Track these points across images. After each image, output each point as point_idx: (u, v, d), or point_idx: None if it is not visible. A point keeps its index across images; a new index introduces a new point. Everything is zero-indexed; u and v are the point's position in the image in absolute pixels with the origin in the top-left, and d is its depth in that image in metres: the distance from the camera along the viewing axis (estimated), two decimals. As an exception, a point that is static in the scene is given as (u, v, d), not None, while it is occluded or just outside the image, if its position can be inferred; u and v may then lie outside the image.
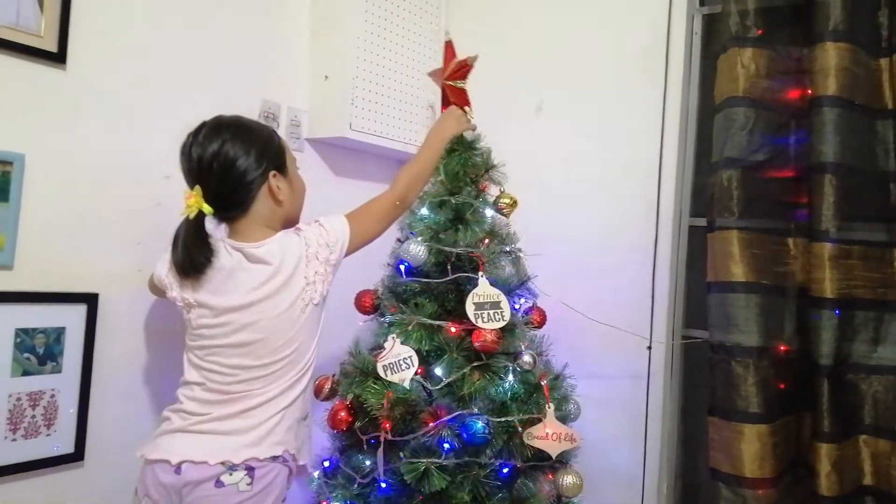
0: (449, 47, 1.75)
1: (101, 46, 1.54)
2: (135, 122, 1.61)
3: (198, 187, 1.29)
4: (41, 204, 1.45)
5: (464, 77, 1.73)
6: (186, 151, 1.31)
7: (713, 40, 1.87)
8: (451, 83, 1.72)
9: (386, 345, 1.63)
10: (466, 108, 1.72)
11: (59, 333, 1.48)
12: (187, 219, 1.30)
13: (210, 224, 1.32)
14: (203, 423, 1.27)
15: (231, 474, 1.23)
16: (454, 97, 1.72)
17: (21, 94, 1.42)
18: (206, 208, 1.29)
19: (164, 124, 1.67)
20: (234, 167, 1.29)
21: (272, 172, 1.33)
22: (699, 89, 1.93)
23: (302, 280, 1.33)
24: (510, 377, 1.63)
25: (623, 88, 1.99)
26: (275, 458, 1.28)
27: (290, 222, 1.42)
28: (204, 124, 1.32)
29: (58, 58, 1.46)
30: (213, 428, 1.27)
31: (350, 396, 1.64)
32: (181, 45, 1.71)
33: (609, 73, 2.02)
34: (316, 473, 1.77)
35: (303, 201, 1.46)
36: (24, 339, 1.43)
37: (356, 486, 1.63)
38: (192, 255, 1.29)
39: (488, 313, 1.62)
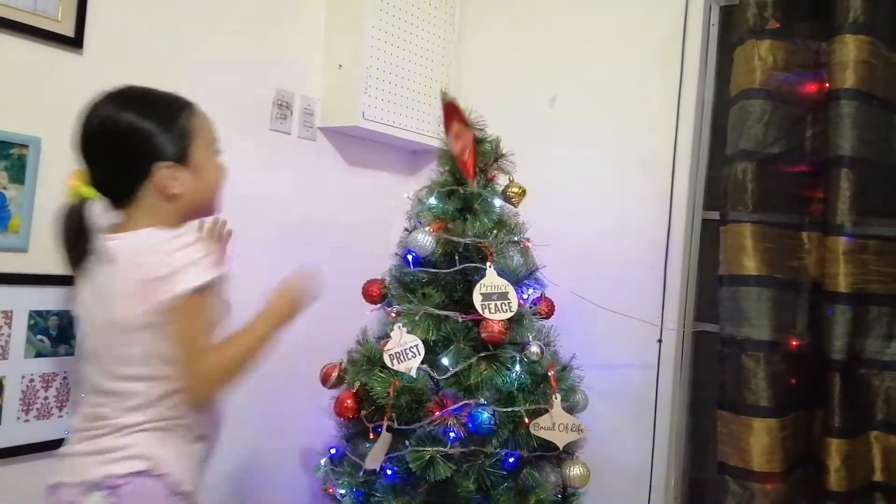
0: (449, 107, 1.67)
1: (118, 32, 1.56)
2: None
3: (82, 168, 1.14)
4: (56, 187, 1.46)
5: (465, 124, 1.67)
6: (79, 121, 1.15)
7: (730, 32, 1.85)
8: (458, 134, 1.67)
9: (392, 334, 1.63)
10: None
11: (71, 316, 1.50)
12: (67, 205, 1.15)
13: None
14: (73, 441, 1.16)
15: (92, 494, 1.08)
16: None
17: (38, 78, 1.44)
18: (88, 192, 1.14)
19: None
20: (119, 145, 1.13)
21: (165, 163, 1.13)
22: (715, 81, 1.91)
23: (142, 289, 1.09)
24: (517, 367, 1.63)
25: (638, 80, 1.97)
26: (140, 474, 1.10)
27: (195, 214, 1.24)
28: (106, 92, 1.16)
29: (74, 42, 1.48)
30: (77, 449, 1.14)
31: (357, 385, 1.65)
32: (197, 32, 1.72)
33: (624, 66, 2.00)
34: (323, 461, 1.78)
35: (214, 191, 1.23)
36: (38, 320, 1.45)
37: (362, 473, 1.64)
38: (67, 249, 1.15)
39: (496, 304, 1.61)
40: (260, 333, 1.20)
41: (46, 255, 1.46)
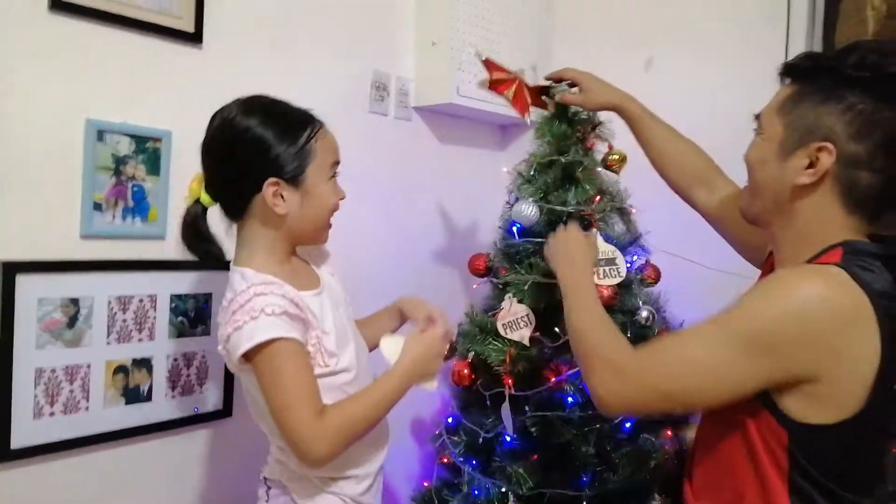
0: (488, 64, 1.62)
1: (231, 26, 1.62)
2: (262, 93, 1.69)
3: (201, 172, 1.18)
4: (187, 177, 1.54)
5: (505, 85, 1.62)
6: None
7: (837, -19, 1.77)
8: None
9: (503, 304, 1.67)
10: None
11: (206, 298, 1.59)
12: (186, 208, 1.19)
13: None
14: None
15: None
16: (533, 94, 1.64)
17: (164, 73, 1.51)
18: (206, 198, 1.16)
19: (287, 97, 1.74)
20: (233, 152, 1.13)
21: (272, 180, 1.12)
22: (822, 34, 1.84)
23: (225, 340, 1.13)
24: (628, 333, 1.65)
25: (741, 37, 1.90)
26: None
27: (304, 240, 1.24)
28: (237, 99, 1.19)
29: (195, 38, 1.54)
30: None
31: (471, 354, 1.70)
32: (302, 23, 1.78)
33: (727, 22, 1.93)
34: (438, 430, 1.85)
35: (324, 218, 1.22)
36: (178, 303, 1.55)
37: (481, 440, 1.69)
38: (191, 249, 1.21)
39: (604, 269, 1.62)
40: (384, 394, 1.18)
41: (181, 242, 1.55)
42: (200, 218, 1.18)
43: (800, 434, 0.94)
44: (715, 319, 1.00)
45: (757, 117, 1.13)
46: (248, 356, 1.08)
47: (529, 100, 1.61)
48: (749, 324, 0.95)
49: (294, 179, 1.13)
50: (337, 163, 1.22)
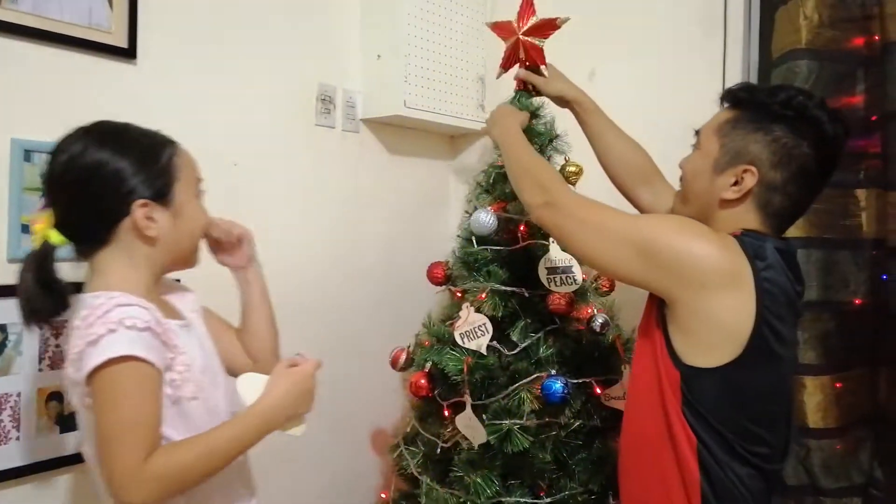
0: (527, 1, 1.66)
1: (167, 39, 1.57)
2: (201, 110, 1.64)
3: (49, 211, 1.04)
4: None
5: (545, 36, 1.63)
6: (47, 159, 1.05)
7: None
8: (529, 39, 1.63)
9: (461, 313, 1.66)
10: (542, 66, 1.63)
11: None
12: (30, 252, 1.04)
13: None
14: None
15: None
16: (530, 53, 1.64)
17: (97, 90, 1.45)
18: (57, 238, 1.03)
19: (228, 112, 1.70)
20: (89, 185, 1.02)
21: (141, 201, 1.03)
22: (759, 43, 1.89)
23: (76, 362, 0.97)
24: (584, 340, 1.67)
25: (681, 48, 1.95)
26: None
27: (175, 264, 1.13)
28: (78, 127, 1.06)
29: (128, 53, 1.49)
30: None
31: (428, 365, 1.68)
32: (241, 35, 1.73)
33: (666, 33, 1.97)
34: (396, 442, 1.83)
35: (194, 239, 1.14)
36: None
37: (439, 451, 1.68)
38: (32, 303, 1.02)
39: (560, 277, 1.64)
40: (232, 438, 1.01)
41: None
42: (51, 260, 1.04)
43: (686, 374, 1.11)
44: (638, 216, 1.26)
45: (697, 133, 1.27)
46: (93, 375, 0.94)
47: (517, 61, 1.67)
48: (651, 236, 1.14)
49: (163, 199, 1.06)
50: (200, 180, 1.15)
